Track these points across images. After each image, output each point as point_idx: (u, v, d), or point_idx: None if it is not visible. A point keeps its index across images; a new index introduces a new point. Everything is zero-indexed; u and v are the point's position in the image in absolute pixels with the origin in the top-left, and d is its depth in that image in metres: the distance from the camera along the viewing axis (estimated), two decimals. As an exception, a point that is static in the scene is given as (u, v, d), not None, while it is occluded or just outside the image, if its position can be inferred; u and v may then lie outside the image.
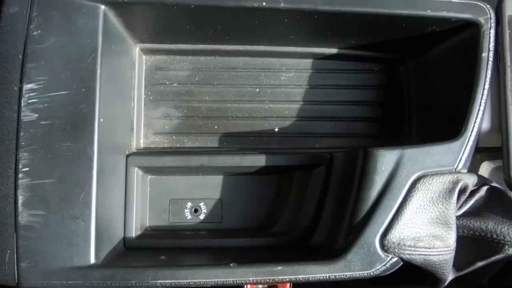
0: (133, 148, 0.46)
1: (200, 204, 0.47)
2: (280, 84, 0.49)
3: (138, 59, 0.47)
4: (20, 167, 0.36)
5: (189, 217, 0.46)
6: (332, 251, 0.39)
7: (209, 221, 0.46)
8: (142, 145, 0.47)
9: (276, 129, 0.48)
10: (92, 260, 0.36)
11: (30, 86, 0.37)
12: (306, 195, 0.45)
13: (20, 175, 0.36)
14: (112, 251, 0.40)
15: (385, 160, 0.38)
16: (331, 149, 0.47)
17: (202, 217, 0.46)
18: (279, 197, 0.47)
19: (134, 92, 0.46)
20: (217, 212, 0.47)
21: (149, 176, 0.46)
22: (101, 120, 0.38)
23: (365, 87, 0.49)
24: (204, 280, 0.36)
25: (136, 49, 0.47)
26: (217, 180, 0.47)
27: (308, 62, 0.49)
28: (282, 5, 0.39)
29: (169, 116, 0.48)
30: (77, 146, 0.37)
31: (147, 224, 0.46)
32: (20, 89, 0.37)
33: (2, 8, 0.38)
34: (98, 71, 0.38)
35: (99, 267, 0.36)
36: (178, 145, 0.48)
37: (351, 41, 0.46)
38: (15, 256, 0.35)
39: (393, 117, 0.49)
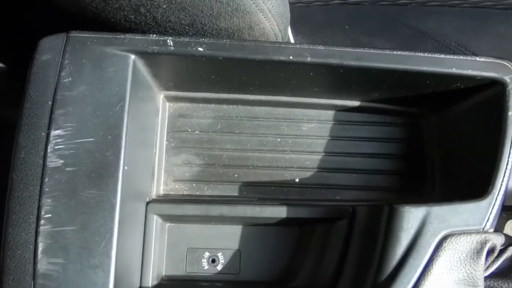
0: (153, 195, 0.45)
1: (218, 254, 0.46)
2: (301, 134, 0.49)
3: (162, 106, 0.48)
4: (42, 213, 0.36)
5: (206, 267, 0.45)
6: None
7: (227, 272, 0.45)
8: (162, 192, 0.47)
9: (297, 180, 0.48)
10: (109, 313, 0.35)
11: (57, 132, 0.37)
12: (328, 248, 0.44)
13: (42, 222, 0.35)
14: (129, 302, 0.39)
15: (411, 217, 0.37)
16: (352, 201, 0.47)
17: (219, 267, 0.45)
18: (300, 249, 0.46)
19: (157, 138, 0.47)
20: (235, 263, 0.46)
21: (168, 224, 0.46)
22: (126, 167, 0.38)
23: (387, 139, 0.49)
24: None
25: (161, 96, 0.47)
26: (236, 230, 0.46)
27: (330, 113, 0.49)
28: (309, 59, 0.40)
29: (190, 164, 0.48)
30: (100, 194, 0.36)
31: (163, 274, 0.45)
32: (48, 135, 0.37)
33: (35, 55, 0.39)
34: (125, 119, 0.38)
35: (116, 319, 0.35)
36: (198, 193, 0.47)
37: (374, 95, 0.47)
38: (32, 305, 0.35)
39: (415, 171, 0.49)
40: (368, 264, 0.39)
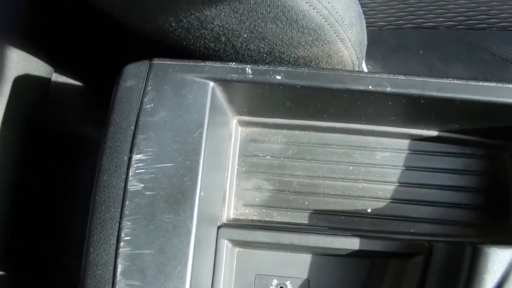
0: (224, 219, 0.46)
1: (286, 283, 0.45)
2: (375, 163, 0.48)
3: (235, 130, 0.48)
4: (122, 235, 0.37)
5: (274, 295, 0.45)
6: None
7: (295, 301, 0.45)
8: (232, 216, 0.47)
9: (369, 210, 0.47)
10: (182, 338, 0.35)
11: (139, 156, 0.38)
12: (401, 285, 0.42)
13: (122, 244, 0.37)
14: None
15: (498, 259, 0.35)
16: (428, 236, 0.45)
17: (287, 296, 0.45)
18: (371, 283, 0.44)
19: (229, 163, 0.47)
20: (303, 292, 0.45)
21: (237, 249, 0.46)
22: (202, 193, 0.38)
23: (465, 172, 0.47)
24: None
25: (234, 121, 0.48)
26: (304, 259, 0.46)
27: (405, 142, 0.48)
28: (388, 89, 0.39)
29: (260, 189, 0.48)
30: (177, 219, 0.37)
31: (232, 299, 0.45)
32: (130, 159, 0.38)
33: (119, 81, 0.41)
34: (203, 145, 0.39)
35: None
36: (267, 218, 0.47)
37: (454, 125, 0.45)
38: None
39: (496, 207, 0.46)
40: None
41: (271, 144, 0.49)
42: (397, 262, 0.43)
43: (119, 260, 0.36)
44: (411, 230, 0.46)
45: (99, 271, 0.36)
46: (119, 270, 0.36)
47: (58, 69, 0.65)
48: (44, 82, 0.63)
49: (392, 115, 0.44)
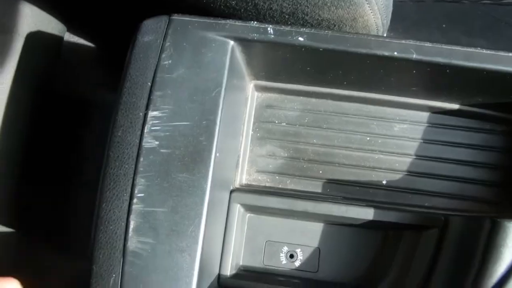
0: (236, 184, 0.45)
1: (296, 250, 0.45)
2: (392, 135, 0.47)
3: (251, 95, 0.47)
4: (135, 192, 0.36)
5: (284, 262, 0.45)
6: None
7: (305, 269, 0.44)
8: (244, 182, 0.46)
9: (384, 182, 0.46)
10: (193, 297, 0.35)
11: (154, 113, 0.37)
12: (415, 257, 0.42)
13: (135, 200, 0.36)
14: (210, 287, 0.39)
15: (517, 233, 0.34)
16: (443, 210, 0.44)
17: (297, 263, 0.44)
18: (383, 255, 0.44)
19: (244, 128, 0.46)
20: (313, 261, 0.44)
21: (248, 214, 0.45)
22: (217, 154, 0.37)
23: (484, 147, 0.46)
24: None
25: (251, 86, 0.47)
26: (317, 227, 0.45)
27: (425, 115, 0.47)
28: (414, 56, 0.38)
29: (274, 155, 0.47)
30: (192, 178, 0.36)
31: (241, 263, 0.44)
32: (145, 115, 0.37)
33: (137, 36, 0.40)
34: (220, 106, 0.38)
35: (199, 305, 0.35)
36: (280, 186, 0.46)
37: (477, 99, 0.44)
38: (120, 281, 0.35)
39: (514, 184, 0.45)
40: (461, 279, 0.36)
41: (287, 111, 0.48)
42: (410, 235, 0.43)
43: (132, 216, 0.36)
44: (426, 204, 0.45)
45: (111, 227, 0.36)
46: (131, 226, 0.36)
47: (71, 28, 0.64)
48: (56, 40, 0.62)
49: (414, 85, 0.43)
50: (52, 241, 0.61)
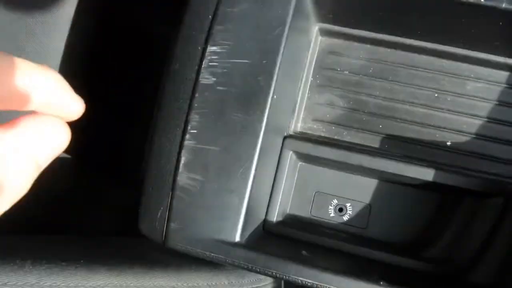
0: (290, 131, 0.44)
1: (346, 204, 0.43)
2: (464, 93, 0.43)
3: (315, 39, 0.44)
4: (189, 128, 0.35)
5: (332, 214, 0.43)
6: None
7: (353, 224, 0.43)
8: (299, 129, 0.45)
9: (449, 143, 0.43)
10: (237, 238, 0.35)
11: (214, 48, 0.36)
12: (473, 226, 0.39)
13: (187, 136, 0.35)
14: (254, 233, 0.38)
15: None
16: (511, 179, 0.41)
17: (346, 218, 0.43)
18: (438, 219, 0.42)
19: (304, 73, 0.44)
20: (363, 217, 0.43)
21: (300, 163, 0.44)
22: (275, 96, 0.36)
23: None
24: (350, 292, 0.33)
25: (315, 29, 0.44)
26: (369, 183, 0.43)
27: (504, 74, 0.42)
28: (503, 5, 0.34)
29: (333, 105, 0.45)
30: (247, 119, 0.35)
31: (288, 211, 0.44)
32: (204, 50, 0.36)
33: (201, -34, 0.38)
34: (282, 46, 0.36)
35: (243, 247, 0.35)
36: (336, 137, 0.44)
37: None
38: (167, 214, 0.35)
39: None
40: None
41: (351, 59, 0.45)
42: (471, 201, 0.40)
43: (183, 152, 0.35)
44: (493, 171, 0.42)
45: (162, 161, 0.36)
46: (182, 162, 0.35)
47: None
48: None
49: (497, 39, 0.39)
50: (106, 170, 0.62)
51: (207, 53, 0.36)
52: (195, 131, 0.35)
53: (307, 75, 0.45)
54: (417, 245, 0.41)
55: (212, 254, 0.35)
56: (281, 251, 0.37)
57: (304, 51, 0.43)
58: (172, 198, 0.35)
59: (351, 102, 0.45)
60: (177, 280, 0.35)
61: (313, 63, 0.45)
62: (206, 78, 0.36)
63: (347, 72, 0.45)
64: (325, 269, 0.34)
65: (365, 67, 0.45)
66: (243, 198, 0.35)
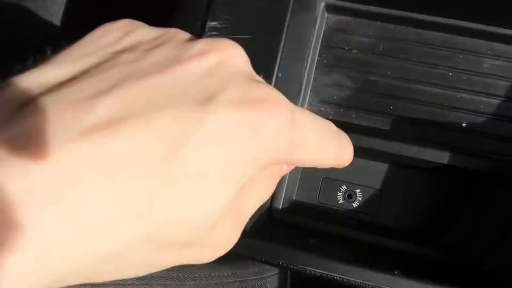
0: (296, 114, 0.41)
1: (356, 190, 0.41)
2: (480, 72, 0.40)
3: (321, 16, 0.42)
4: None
5: (341, 201, 0.41)
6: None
7: (363, 211, 0.41)
8: (305, 112, 0.42)
9: (464, 124, 0.40)
10: (242, 227, 0.33)
11: (214, 24, 0.34)
12: (491, 211, 0.37)
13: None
14: (259, 220, 0.36)
15: None
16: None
17: (355, 205, 0.41)
18: (454, 204, 0.39)
19: (310, 52, 0.42)
20: (373, 203, 0.41)
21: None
22: (279, 75, 0.33)
23: None
24: (362, 282, 0.31)
25: (322, 5, 0.41)
26: (380, 168, 0.41)
27: (523, 51, 0.40)
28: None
29: (341, 85, 0.42)
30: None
31: (294, 198, 0.42)
32: (203, 26, 0.34)
33: None
34: (287, 22, 0.33)
35: (248, 235, 0.33)
36: (344, 119, 0.42)
37: None
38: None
39: None
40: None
41: (360, 37, 0.42)
42: (489, 185, 0.38)
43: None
44: (510, 153, 0.39)
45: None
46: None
47: None
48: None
49: (517, 12, 0.36)
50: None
51: (207, 29, 0.33)
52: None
53: (313, 54, 0.42)
54: (432, 232, 0.39)
55: (214, 244, 0.32)
56: (288, 239, 0.35)
57: (309, 29, 0.41)
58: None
59: (360, 83, 0.42)
60: (177, 270, 0.33)
61: (320, 42, 0.43)
62: (205, 56, 0.33)
63: (355, 51, 0.42)
64: (335, 258, 0.32)
65: (374, 45, 0.42)
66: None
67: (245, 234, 0.33)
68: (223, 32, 0.33)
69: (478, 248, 0.37)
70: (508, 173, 0.37)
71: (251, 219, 0.34)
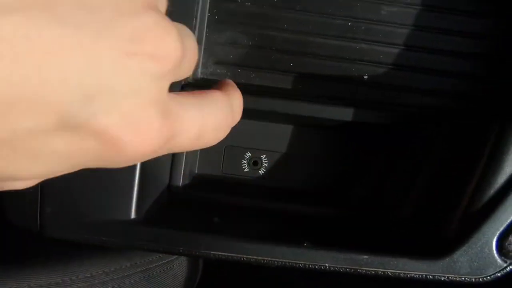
0: (190, 78, 0.37)
1: (261, 156, 0.38)
2: (379, 20, 0.38)
3: (207, -35, 0.37)
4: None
5: (246, 169, 0.38)
6: (432, 243, 0.31)
7: (271, 177, 0.38)
8: (199, 75, 0.38)
9: (365, 77, 0.39)
10: (133, 215, 0.29)
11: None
12: (398, 161, 0.36)
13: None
14: (156, 202, 0.32)
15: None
16: (434, 109, 0.37)
17: (262, 172, 0.38)
18: (361, 158, 0.38)
19: (198, 8, 0.37)
20: (281, 168, 0.38)
21: (204, 114, 0.38)
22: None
23: (486, 37, 0.39)
24: (270, 259, 0.29)
25: (206, -49, 0.37)
26: (285, 130, 0.39)
27: (419, -5, 0.38)
28: None
29: (236, 43, 0.38)
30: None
31: (196, 171, 0.38)
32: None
33: None
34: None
35: (141, 223, 0.29)
36: (243, 81, 0.39)
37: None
38: (39, 197, 0.28)
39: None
40: (457, 187, 0.31)
41: (252, -13, 0.38)
42: (395, 137, 0.37)
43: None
44: (415, 103, 0.38)
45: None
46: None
47: None
48: None
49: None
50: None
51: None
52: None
53: (202, 9, 0.38)
54: (340, 190, 0.38)
55: (103, 238, 0.28)
56: (189, 221, 0.32)
57: (195, -19, 0.36)
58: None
59: (256, 39, 0.38)
60: (63, 274, 0.29)
61: (208, -5, 0.38)
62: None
63: (248, 3, 0.38)
64: (240, 237, 0.29)
65: (269, -4, 0.38)
66: (134, 165, 0.28)
67: (139, 222, 0.29)
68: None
69: (389, 200, 0.36)
70: (415, 123, 0.36)
71: (147, 202, 0.30)
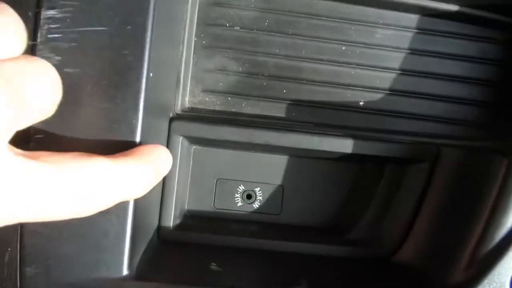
0: (178, 109, 0.35)
1: (255, 189, 0.36)
2: (373, 43, 0.37)
3: (193, -12, 0.35)
4: (32, 133, 0.25)
5: (240, 204, 0.36)
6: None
7: (265, 211, 0.36)
8: (187, 105, 0.36)
9: (361, 103, 0.37)
10: (125, 271, 0.26)
11: (50, 13, 0.25)
12: (398, 196, 0.35)
13: (32, 145, 0.25)
14: (147, 250, 0.30)
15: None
16: (431, 137, 0.36)
17: (256, 205, 0.36)
18: (360, 193, 0.36)
19: (185, 33, 0.35)
20: (276, 201, 0.36)
21: (194, 147, 0.36)
22: (150, 74, 0.26)
23: (484, 60, 0.38)
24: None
25: (192, -26, 0.34)
26: (279, 161, 0.37)
27: (414, 18, 0.37)
28: None
29: (226, 70, 0.36)
30: (115, 110, 0.25)
31: (186, 208, 0.36)
32: (37, 15, 0.25)
33: None
34: (152, 3, 0.26)
35: (135, 279, 0.26)
36: (233, 109, 0.36)
37: (485, -2, 0.34)
38: (18, 257, 0.25)
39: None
40: (462, 225, 0.30)
41: (241, 11, 0.36)
42: (393, 169, 0.36)
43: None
44: (411, 130, 0.37)
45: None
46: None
47: None
48: None
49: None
50: None
51: (42, 21, 0.25)
52: (41, 136, 0.25)
53: (189, 34, 0.35)
54: (339, 225, 0.36)
55: (92, 299, 0.25)
56: (184, 272, 0.29)
57: (182, 4, 0.34)
58: (22, 235, 0.25)
59: (247, 65, 0.36)
60: None
61: (195, 19, 0.36)
62: (46, 57, 0.25)
63: (238, 27, 0.36)
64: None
65: (259, 20, 0.36)
66: (126, 215, 0.26)
67: (135, 277, 0.26)
68: (65, 25, 0.25)
69: (390, 238, 0.35)
70: (416, 154, 0.34)
71: (138, 253, 0.28)
